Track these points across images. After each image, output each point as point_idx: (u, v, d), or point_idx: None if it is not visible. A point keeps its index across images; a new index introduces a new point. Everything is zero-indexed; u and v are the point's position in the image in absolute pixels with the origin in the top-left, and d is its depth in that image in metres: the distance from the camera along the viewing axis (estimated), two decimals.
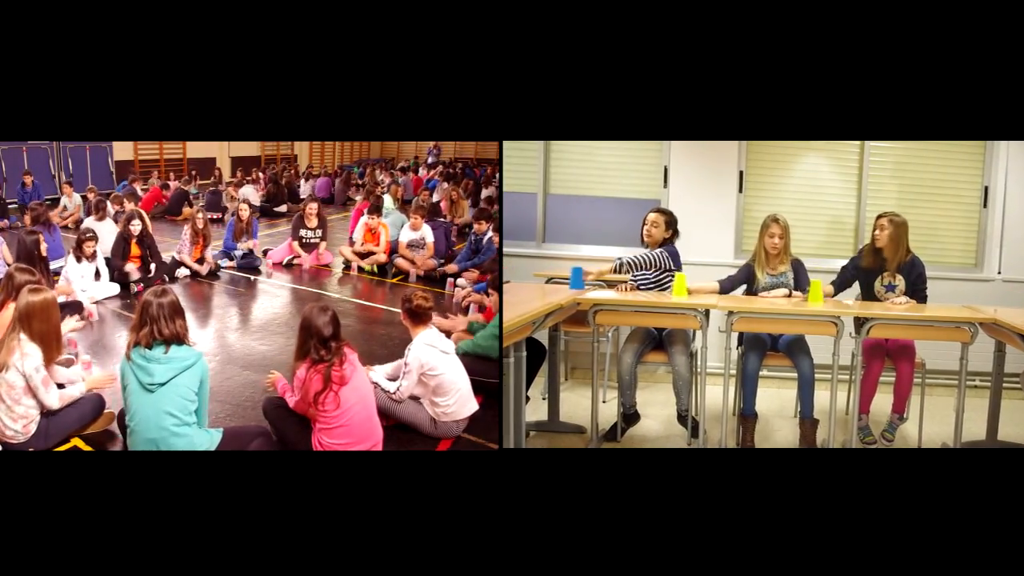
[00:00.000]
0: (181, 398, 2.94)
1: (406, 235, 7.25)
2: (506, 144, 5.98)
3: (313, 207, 7.72)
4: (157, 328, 2.94)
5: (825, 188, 5.86)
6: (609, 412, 4.63)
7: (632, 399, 4.41)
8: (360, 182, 14.07)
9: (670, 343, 4.40)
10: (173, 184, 11.89)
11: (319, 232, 7.69)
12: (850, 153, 5.82)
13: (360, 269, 7.23)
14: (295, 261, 7.49)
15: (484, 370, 3.87)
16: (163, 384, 2.91)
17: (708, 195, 5.82)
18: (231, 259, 7.34)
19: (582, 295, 4.18)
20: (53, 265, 5.82)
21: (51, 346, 3.21)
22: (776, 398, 5.11)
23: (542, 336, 4.37)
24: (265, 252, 7.66)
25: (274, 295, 6.54)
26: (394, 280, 7.05)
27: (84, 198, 8.90)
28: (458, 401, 3.55)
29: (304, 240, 7.64)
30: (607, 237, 5.92)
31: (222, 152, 16.53)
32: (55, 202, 10.05)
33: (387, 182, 12.67)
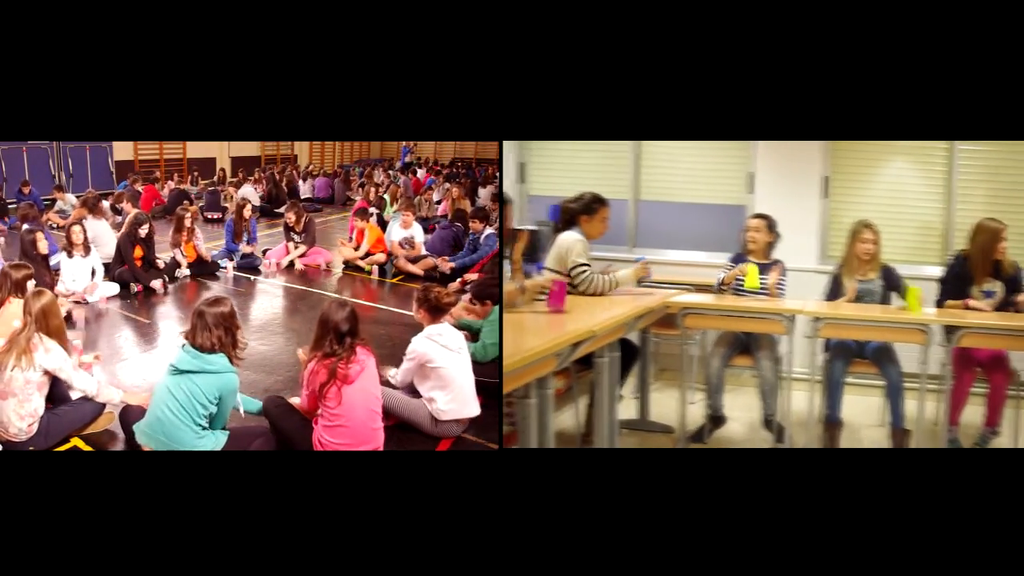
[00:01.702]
0: (187, 394, 2.97)
1: (397, 233, 7.25)
2: (597, 149, 6.28)
3: (291, 216, 7.65)
4: (193, 334, 3.01)
5: (912, 193, 5.72)
6: (696, 413, 4.72)
7: (719, 402, 4.49)
8: (360, 181, 14.06)
9: (756, 348, 4.45)
10: (169, 184, 11.88)
11: (303, 235, 7.64)
12: (938, 156, 5.65)
13: (358, 268, 7.21)
14: (294, 263, 7.46)
15: (484, 370, 3.87)
16: (179, 372, 2.97)
17: (792, 200, 5.81)
18: (231, 259, 7.31)
19: (674, 297, 4.35)
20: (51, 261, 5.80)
21: (64, 343, 3.31)
22: (861, 405, 5.03)
23: (634, 337, 4.51)
24: (264, 252, 7.63)
25: (273, 295, 6.53)
26: (394, 280, 7.03)
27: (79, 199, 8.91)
28: (456, 399, 3.54)
29: (293, 244, 7.63)
30: (695, 242, 6.10)
31: (222, 152, 16.50)
32: (53, 203, 10.03)
33: (386, 183, 12.66)
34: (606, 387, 3.75)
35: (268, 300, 6.34)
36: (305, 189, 13.27)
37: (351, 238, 7.68)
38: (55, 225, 8.84)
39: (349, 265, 7.35)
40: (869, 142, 5.73)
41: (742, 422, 4.85)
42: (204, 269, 6.91)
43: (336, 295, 6.43)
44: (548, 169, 6.43)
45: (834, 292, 4.55)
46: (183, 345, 3.03)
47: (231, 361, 3.07)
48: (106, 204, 8.44)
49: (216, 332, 3.01)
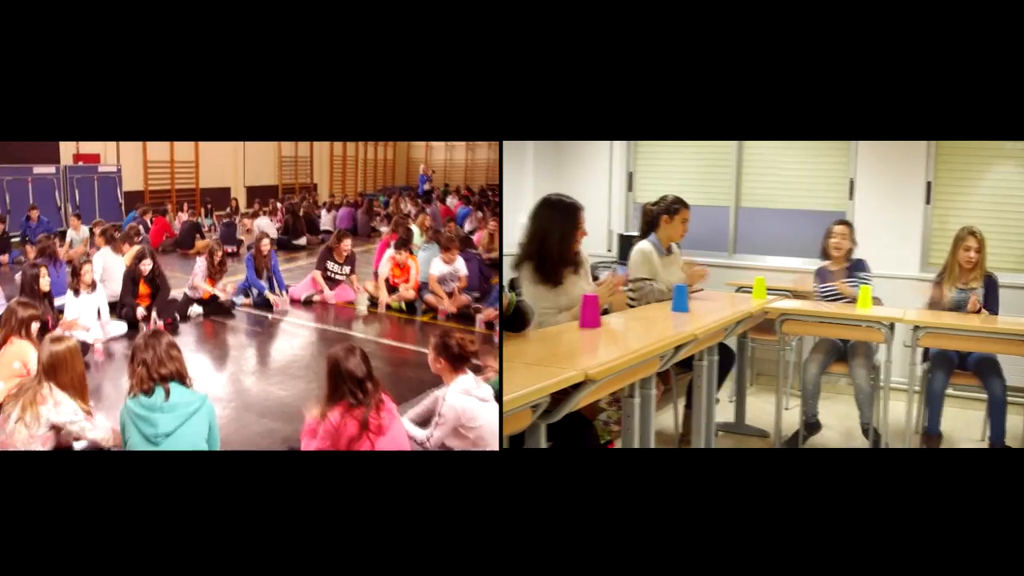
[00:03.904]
0: (191, 448, 2.89)
1: (438, 268, 7.20)
2: (700, 158, 7.10)
3: (347, 243, 7.70)
4: (154, 368, 2.89)
5: (1020, 198, 5.86)
6: (791, 419, 5.13)
7: (815, 409, 4.92)
8: (385, 211, 14.14)
9: (853, 355, 4.83)
10: (181, 215, 12.04)
11: (347, 269, 7.70)
12: None
13: (387, 306, 7.21)
14: (315, 298, 7.49)
15: None
16: (169, 435, 2.84)
17: (894, 207, 6.21)
18: (247, 296, 7.36)
19: (767, 304, 4.78)
20: (58, 301, 5.86)
21: (78, 397, 3.23)
22: (962, 419, 5.21)
23: (731, 342, 4.93)
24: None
25: (293, 335, 6.54)
26: (424, 318, 7.00)
27: (92, 232, 8.97)
28: (490, 444, 3.43)
29: (331, 275, 7.65)
30: (793, 249, 6.69)
31: (236, 181, 16.74)
32: (62, 235, 10.16)
33: (414, 212, 12.71)
34: (704, 390, 4.22)
35: (288, 341, 6.35)
36: (326, 220, 13.37)
37: (375, 272, 7.70)
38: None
39: (375, 301, 7.34)
40: (975, 145, 5.95)
41: (838, 430, 5.23)
42: (220, 306, 6.96)
43: (362, 335, 6.44)
44: (654, 177, 7.32)
45: (935, 301, 4.82)
46: (139, 403, 2.86)
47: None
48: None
49: (174, 362, 2.93)
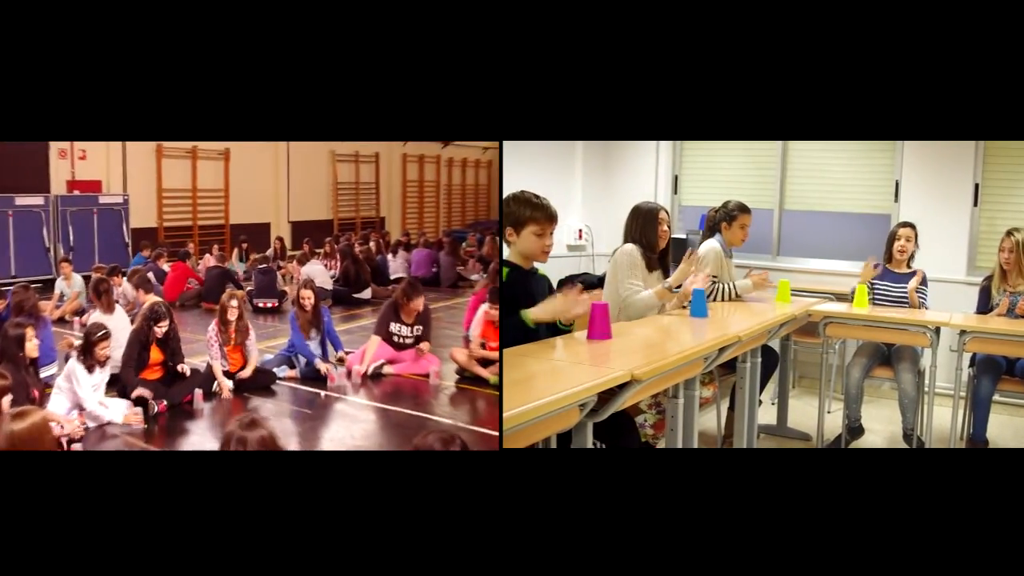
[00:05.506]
0: None
1: None
2: (745, 161, 8.96)
3: (419, 301, 7.53)
4: None
5: None
6: (833, 423, 6.46)
7: (857, 413, 6.22)
8: (478, 253, 14.05)
9: (897, 360, 6.07)
10: (208, 259, 12.11)
11: (418, 329, 7.52)
12: None
13: (480, 380, 7.04)
14: (384, 370, 7.35)
15: None
16: None
17: (941, 209, 7.73)
18: (293, 366, 7.29)
19: (810, 307, 6.09)
20: (43, 373, 5.89)
21: None
22: (1010, 426, 6.36)
23: (775, 344, 6.21)
24: (344, 357, 7.58)
25: (354, 418, 6.42)
26: None
27: (87, 279, 8.98)
28: None
29: (396, 339, 7.50)
30: (838, 251, 8.43)
31: (279, 215, 16.97)
32: (48, 285, 10.22)
33: None
34: (747, 392, 5.40)
35: (346, 426, 6.21)
36: (396, 266, 13.32)
37: (468, 336, 7.52)
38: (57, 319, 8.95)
39: (466, 375, 7.17)
40: None
41: (881, 435, 6.55)
42: (255, 381, 6.89)
43: (447, 420, 6.25)
44: (699, 180, 9.30)
45: (983, 305, 6.05)
46: None
47: None
48: (124, 288, 8.62)
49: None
